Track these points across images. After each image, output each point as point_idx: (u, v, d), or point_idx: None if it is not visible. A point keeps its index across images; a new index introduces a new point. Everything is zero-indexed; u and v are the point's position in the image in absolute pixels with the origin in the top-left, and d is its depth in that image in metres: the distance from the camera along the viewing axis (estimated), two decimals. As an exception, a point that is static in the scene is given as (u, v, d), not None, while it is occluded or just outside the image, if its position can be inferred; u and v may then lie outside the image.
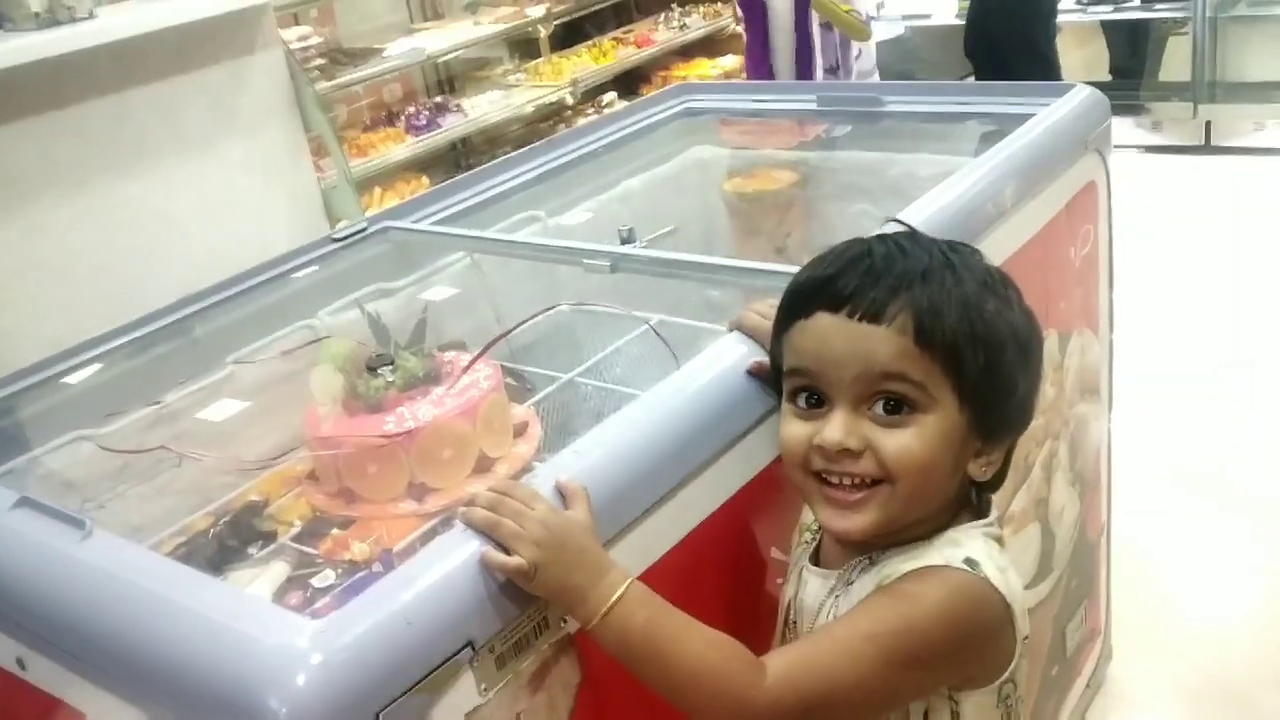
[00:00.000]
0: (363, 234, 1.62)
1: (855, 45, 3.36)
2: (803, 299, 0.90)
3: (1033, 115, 1.70)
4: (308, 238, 3.13)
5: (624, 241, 1.46)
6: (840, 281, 0.87)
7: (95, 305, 2.68)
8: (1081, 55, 5.17)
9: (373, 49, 3.65)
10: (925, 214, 1.45)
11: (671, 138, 2.07)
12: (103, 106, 2.65)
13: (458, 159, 4.30)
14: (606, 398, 1.48)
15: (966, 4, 4.37)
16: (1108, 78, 5.15)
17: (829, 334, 0.87)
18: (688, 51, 4.72)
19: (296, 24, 3.73)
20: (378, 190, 3.65)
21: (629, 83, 4.82)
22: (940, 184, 1.51)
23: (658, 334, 1.29)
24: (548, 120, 4.27)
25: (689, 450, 0.99)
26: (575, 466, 0.92)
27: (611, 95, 4.31)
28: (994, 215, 1.49)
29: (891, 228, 0.96)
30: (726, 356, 1.07)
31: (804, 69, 3.26)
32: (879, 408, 0.86)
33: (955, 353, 0.85)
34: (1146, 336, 2.99)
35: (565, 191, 1.91)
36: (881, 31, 5.06)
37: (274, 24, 2.99)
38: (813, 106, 1.95)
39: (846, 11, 3.31)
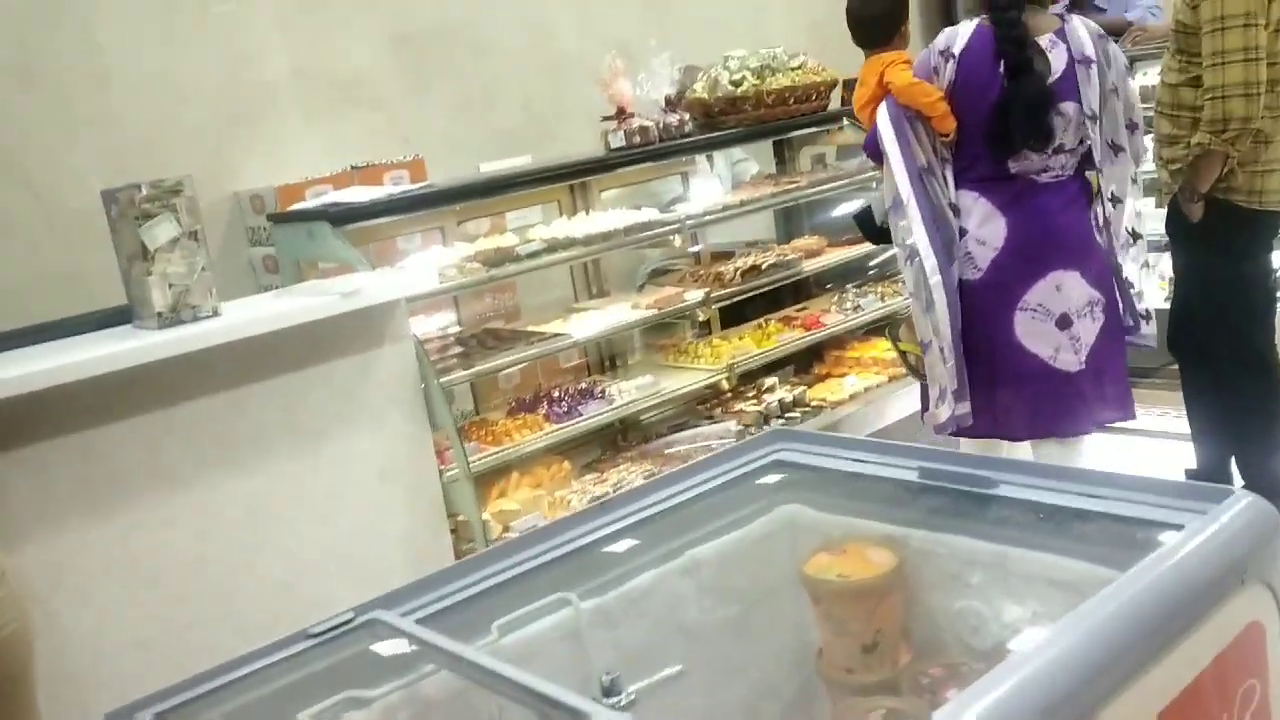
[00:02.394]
0: (348, 626, 1.42)
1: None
2: None
3: (1176, 527, 1.36)
4: (424, 533, 3.02)
5: (605, 693, 1.19)
6: None
7: (183, 607, 2.60)
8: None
9: (521, 332, 3.60)
10: (1018, 677, 1.12)
11: (755, 496, 1.81)
12: (217, 403, 2.63)
13: (614, 436, 4.16)
14: None
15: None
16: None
17: None
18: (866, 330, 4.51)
19: (456, 307, 3.74)
20: (515, 475, 3.52)
21: (804, 359, 4.62)
22: (1039, 634, 1.19)
23: None
24: (705, 402, 4.10)
25: None
26: None
27: (772, 380, 4.10)
28: (1110, 682, 1.14)
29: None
30: None
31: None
32: None
33: None
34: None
35: (621, 562, 1.67)
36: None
37: (406, 316, 2.96)
38: (914, 477, 1.66)
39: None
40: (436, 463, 3.02)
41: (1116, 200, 3.09)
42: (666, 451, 3.75)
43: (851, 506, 1.76)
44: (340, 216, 3.18)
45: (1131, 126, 3.07)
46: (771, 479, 1.82)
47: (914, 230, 3.01)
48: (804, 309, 4.50)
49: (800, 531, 1.77)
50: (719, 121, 4.22)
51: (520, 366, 3.74)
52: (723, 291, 3.87)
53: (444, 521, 3.03)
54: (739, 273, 3.90)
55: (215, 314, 2.62)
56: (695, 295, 3.78)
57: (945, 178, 3.12)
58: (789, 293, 4.70)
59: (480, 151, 4.71)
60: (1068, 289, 2.99)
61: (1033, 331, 3.00)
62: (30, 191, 3.70)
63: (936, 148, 3.12)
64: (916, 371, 3.16)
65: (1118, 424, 3.18)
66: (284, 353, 2.72)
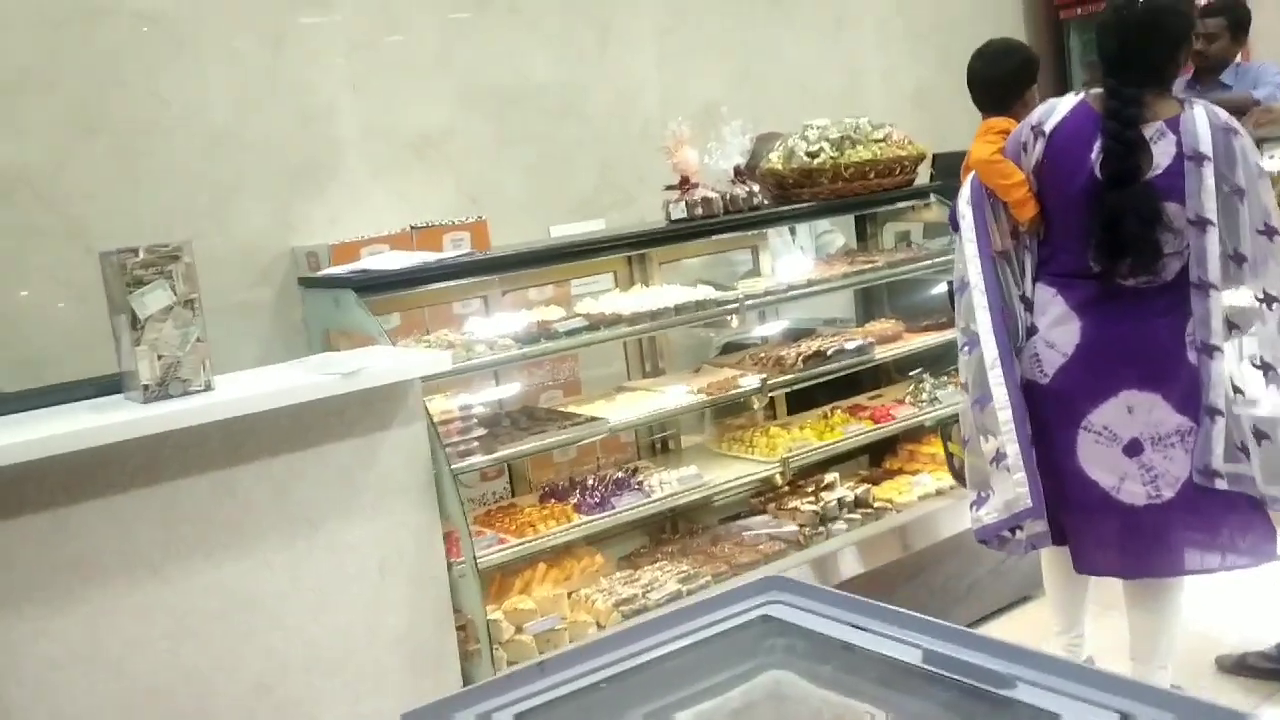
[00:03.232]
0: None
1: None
2: None
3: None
4: (427, 633, 2.77)
5: None
6: None
7: (151, 705, 2.38)
8: None
9: (556, 413, 3.36)
10: None
11: (736, 658, 1.52)
12: (201, 483, 2.44)
13: (661, 522, 3.88)
14: None
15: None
16: None
17: None
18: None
19: (496, 383, 3.53)
20: (542, 566, 3.27)
21: (877, 450, 4.29)
22: None
23: None
24: (760, 495, 3.79)
25: None
26: None
27: (833, 476, 3.77)
28: None
29: None
30: None
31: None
32: None
33: None
34: None
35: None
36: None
37: (420, 397, 2.76)
38: (917, 661, 1.36)
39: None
40: (445, 556, 2.79)
41: (1233, 326, 2.58)
42: (710, 548, 3.46)
43: (847, 683, 1.45)
44: (366, 285, 3.00)
45: (1270, 233, 2.56)
46: (758, 638, 1.54)
47: (978, 316, 2.69)
48: (878, 396, 4.17)
49: (786, 705, 1.48)
50: (793, 194, 3.96)
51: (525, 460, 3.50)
52: (781, 379, 3.57)
53: (450, 620, 2.79)
54: (801, 358, 3.61)
55: (208, 388, 2.44)
56: (752, 381, 3.50)
57: (1023, 266, 2.80)
58: (867, 376, 4.38)
59: (553, 215, 4.55)
60: (1142, 412, 2.59)
61: (1093, 456, 2.63)
62: (84, 245, 3.63)
63: (1018, 233, 2.81)
64: (961, 477, 2.82)
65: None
66: (279, 433, 2.52)
